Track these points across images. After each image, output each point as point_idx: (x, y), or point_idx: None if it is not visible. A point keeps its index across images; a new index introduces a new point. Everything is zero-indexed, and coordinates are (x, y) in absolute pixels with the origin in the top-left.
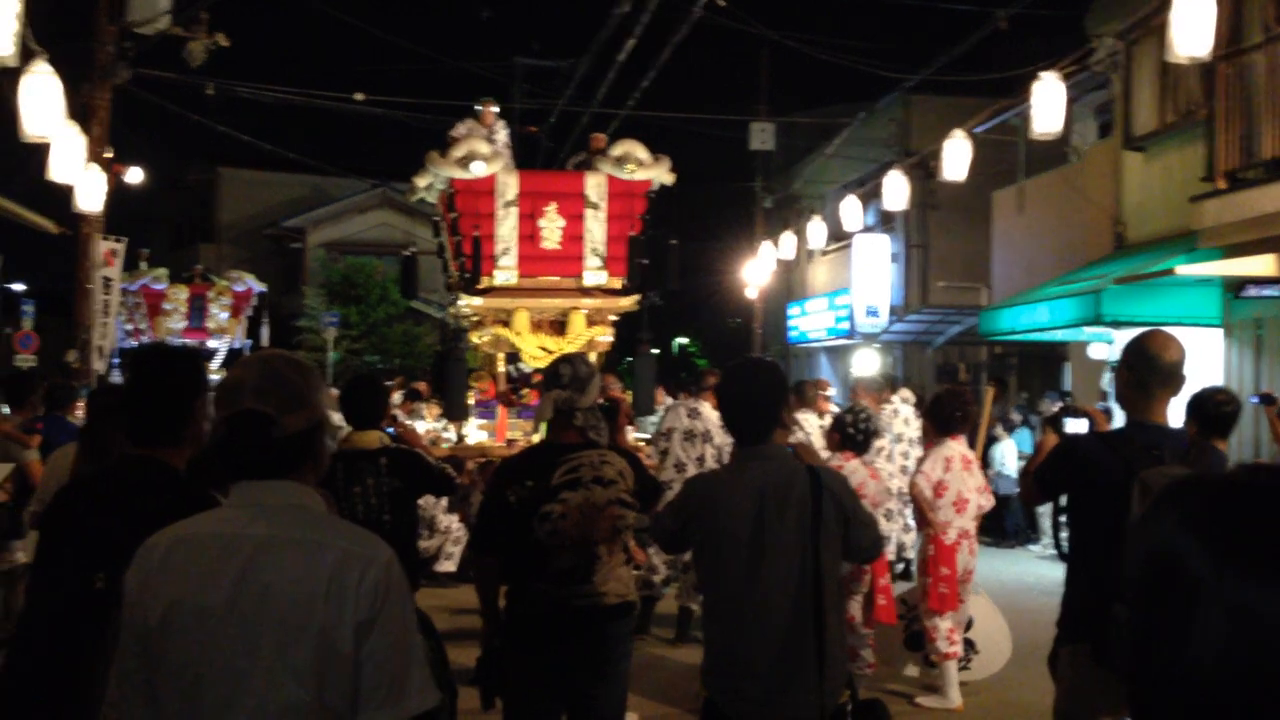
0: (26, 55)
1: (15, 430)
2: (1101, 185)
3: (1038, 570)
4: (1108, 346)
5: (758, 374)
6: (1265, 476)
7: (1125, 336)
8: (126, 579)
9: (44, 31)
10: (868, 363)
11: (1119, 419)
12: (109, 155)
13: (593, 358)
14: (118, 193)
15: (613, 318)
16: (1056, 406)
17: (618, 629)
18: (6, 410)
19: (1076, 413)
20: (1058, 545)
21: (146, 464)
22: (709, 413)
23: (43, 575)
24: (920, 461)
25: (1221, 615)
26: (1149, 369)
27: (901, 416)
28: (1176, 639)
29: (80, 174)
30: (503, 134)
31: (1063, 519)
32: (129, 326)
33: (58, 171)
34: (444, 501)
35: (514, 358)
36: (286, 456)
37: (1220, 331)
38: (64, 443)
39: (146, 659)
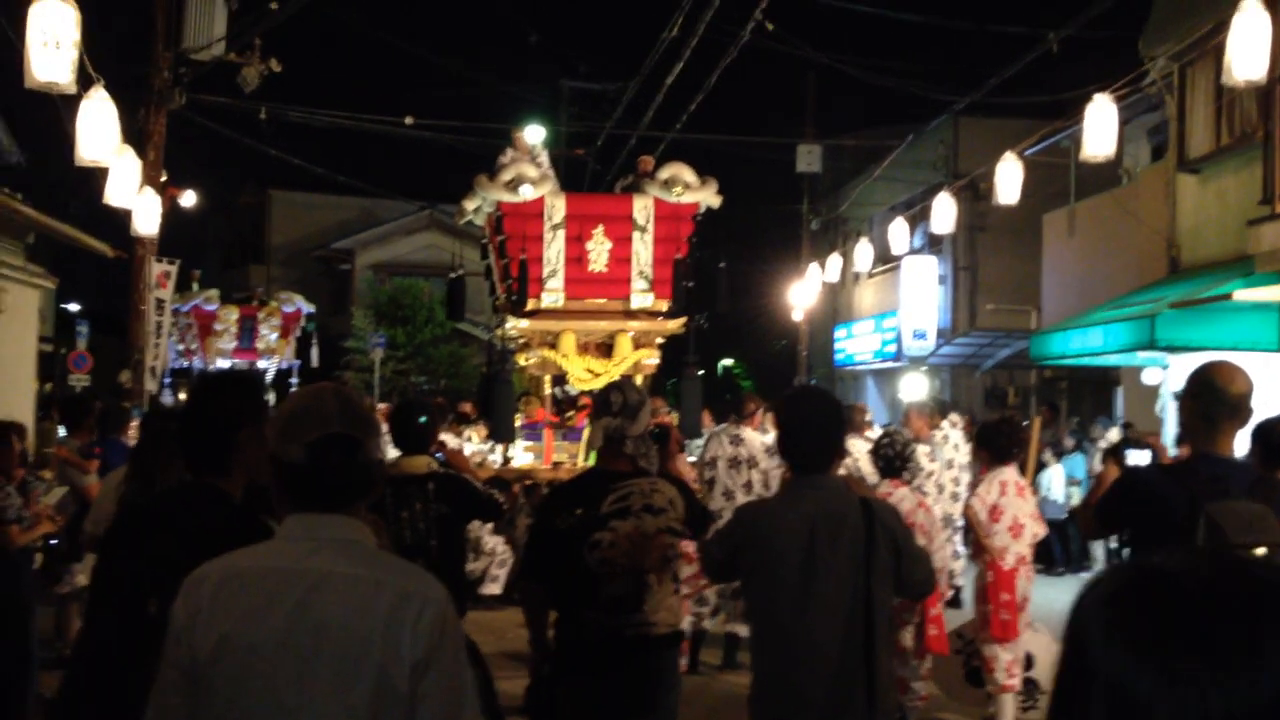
0: (85, 82)
1: (74, 455)
2: (1155, 208)
3: None
4: (1162, 372)
5: (825, 403)
6: (1172, 562)
7: (1180, 361)
8: (174, 610)
9: (101, 58)
10: (916, 386)
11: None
12: (164, 179)
13: (639, 380)
14: (170, 215)
15: (659, 340)
16: (1110, 432)
17: (667, 659)
18: (62, 433)
19: (1138, 444)
20: None
21: (201, 491)
22: (751, 438)
23: (98, 599)
24: (973, 485)
25: (1101, 693)
26: (1215, 401)
27: (951, 442)
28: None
29: (136, 198)
30: (544, 160)
31: (1118, 549)
32: (180, 347)
33: (114, 196)
34: (489, 524)
35: (560, 380)
36: (361, 484)
37: (1279, 356)
38: (119, 465)
39: (189, 693)
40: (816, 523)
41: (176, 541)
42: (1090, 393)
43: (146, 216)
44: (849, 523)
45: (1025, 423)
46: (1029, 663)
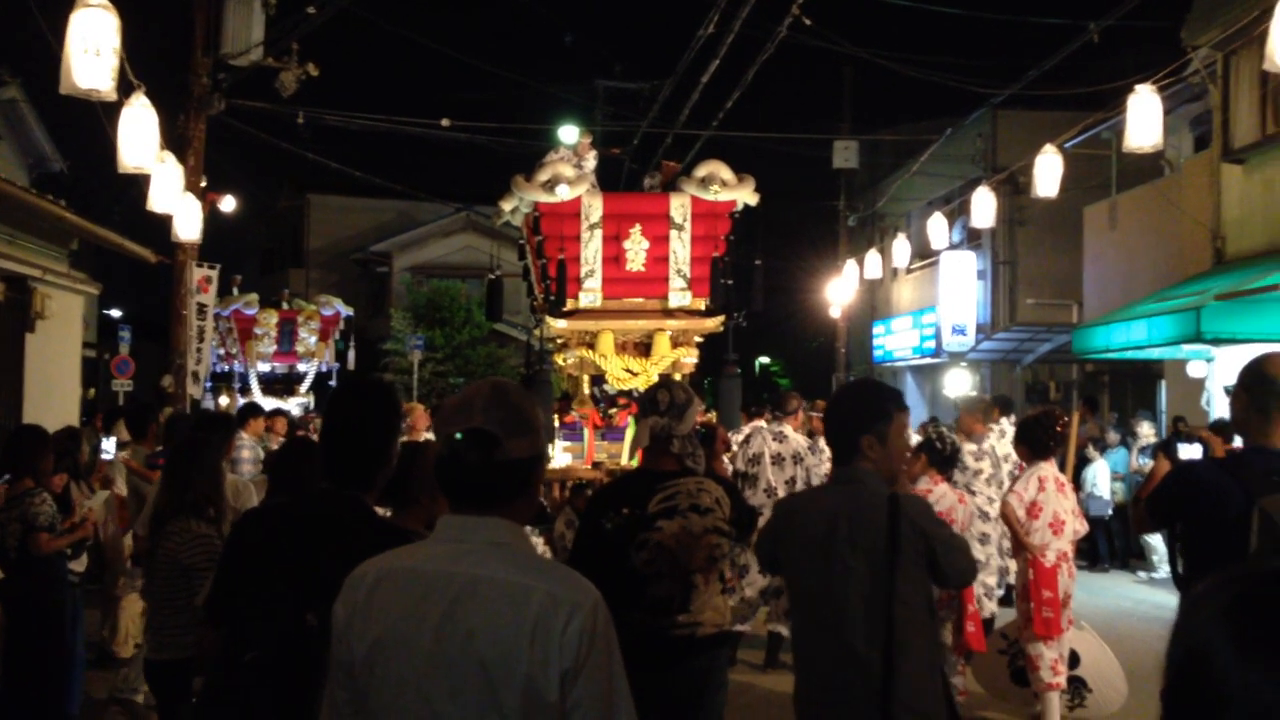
0: (125, 89)
1: (139, 464)
2: (1199, 199)
3: (1135, 594)
4: (1207, 365)
5: (846, 394)
6: None
7: (1226, 354)
8: (335, 609)
9: (141, 65)
10: (961, 383)
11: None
12: (204, 185)
13: (677, 379)
14: (211, 220)
15: (697, 339)
16: (1143, 426)
17: (714, 659)
18: (109, 443)
19: (1190, 438)
20: (1175, 572)
21: (345, 501)
22: (794, 435)
23: (251, 610)
24: (1012, 482)
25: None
26: (1269, 393)
27: (1008, 438)
28: None
29: (177, 204)
30: (591, 161)
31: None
32: (221, 351)
33: (157, 202)
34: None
35: (599, 380)
36: (506, 483)
37: None
38: None
39: (354, 692)
40: (837, 519)
41: (329, 554)
42: (1132, 387)
43: (187, 222)
44: (871, 519)
45: (1065, 417)
46: (1074, 660)
